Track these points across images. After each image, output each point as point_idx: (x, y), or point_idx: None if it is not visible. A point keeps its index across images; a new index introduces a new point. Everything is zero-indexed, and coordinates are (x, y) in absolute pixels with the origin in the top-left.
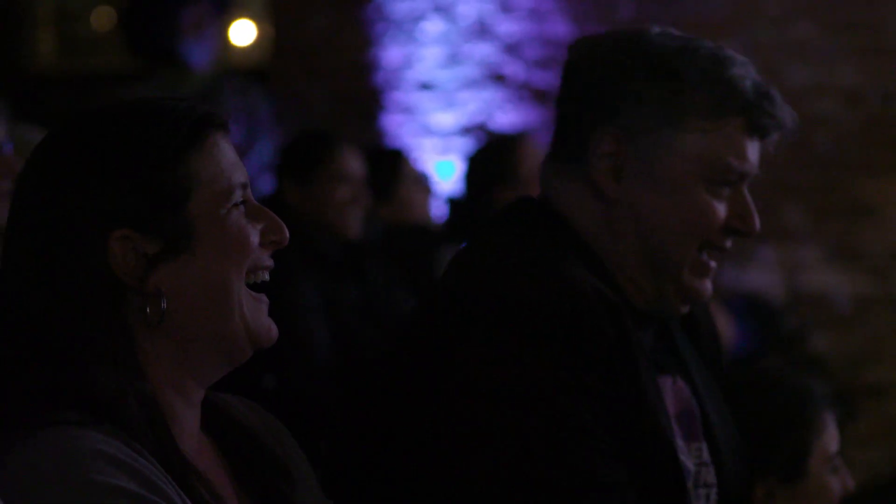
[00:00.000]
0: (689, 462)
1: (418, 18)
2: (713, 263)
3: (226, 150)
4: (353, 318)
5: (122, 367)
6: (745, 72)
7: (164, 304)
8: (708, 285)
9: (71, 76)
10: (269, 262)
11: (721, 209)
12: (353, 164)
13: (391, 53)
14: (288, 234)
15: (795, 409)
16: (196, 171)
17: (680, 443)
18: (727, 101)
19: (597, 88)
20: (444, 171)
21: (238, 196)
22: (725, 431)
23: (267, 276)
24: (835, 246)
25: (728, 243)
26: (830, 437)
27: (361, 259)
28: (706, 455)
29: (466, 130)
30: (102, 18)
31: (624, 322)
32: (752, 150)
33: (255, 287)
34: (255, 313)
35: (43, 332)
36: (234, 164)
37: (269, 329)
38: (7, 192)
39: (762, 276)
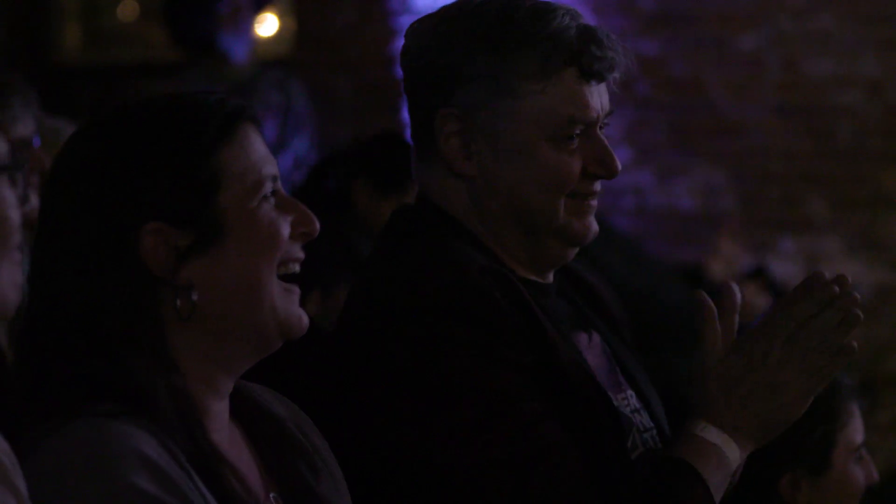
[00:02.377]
0: (624, 411)
1: None
2: (592, 202)
3: (256, 143)
4: None
5: (153, 359)
6: (569, 20)
7: (194, 297)
8: (592, 222)
9: (97, 69)
10: (300, 254)
11: (573, 162)
12: None
13: None
14: (318, 226)
15: (820, 401)
16: (226, 164)
17: (609, 394)
18: (553, 57)
19: (428, 72)
20: None
21: (268, 188)
22: (643, 378)
23: (297, 268)
24: (856, 237)
25: (596, 187)
26: (855, 429)
27: None
28: (635, 402)
29: None
30: (128, 11)
31: (514, 288)
32: (593, 96)
33: (287, 277)
34: (286, 304)
35: (75, 324)
36: (264, 156)
37: (300, 319)
38: (35, 186)
39: (783, 267)
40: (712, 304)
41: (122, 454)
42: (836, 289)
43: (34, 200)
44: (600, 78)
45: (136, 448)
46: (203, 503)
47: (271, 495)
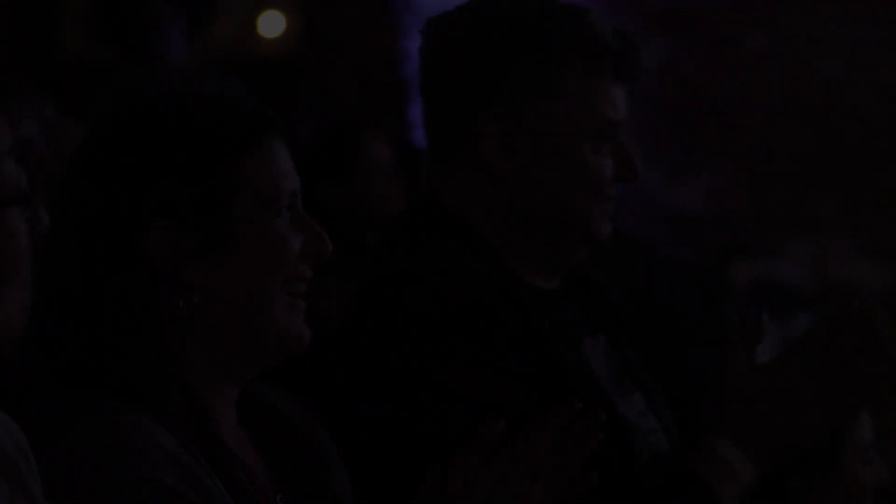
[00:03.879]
0: (629, 415)
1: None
2: (611, 205)
3: (280, 157)
4: None
5: (159, 355)
6: (602, 22)
7: (195, 299)
8: (609, 225)
9: (98, 67)
10: (308, 274)
11: (609, 164)
12: (384, 150)
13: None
14: (330, 249)
15: None
16: (246, 175)
17: (615, 398)
18: (600, 59)
19: (470, 72)
20: None
21: (284, 203)
22: (650, 379)
23: (304, 288)
24: (865, 238)
25: (615, 190)
26: (864, 430)
27: None
28: (642, 404)
29: None
30: None
31: (516, 296)
32: (622, 98)
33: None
34: (289, 319)
35: (83, 317)
36: (286, 171)
37: (302, 335)
38: (39, 187)
39: (792, 268)
40: (742, 322)
41: (144, 450)
42: (855, 306)
43: (46, 220)
44: (632, 80)
45: (158, 443)
46: (222, 497)
47: (279, 497)
